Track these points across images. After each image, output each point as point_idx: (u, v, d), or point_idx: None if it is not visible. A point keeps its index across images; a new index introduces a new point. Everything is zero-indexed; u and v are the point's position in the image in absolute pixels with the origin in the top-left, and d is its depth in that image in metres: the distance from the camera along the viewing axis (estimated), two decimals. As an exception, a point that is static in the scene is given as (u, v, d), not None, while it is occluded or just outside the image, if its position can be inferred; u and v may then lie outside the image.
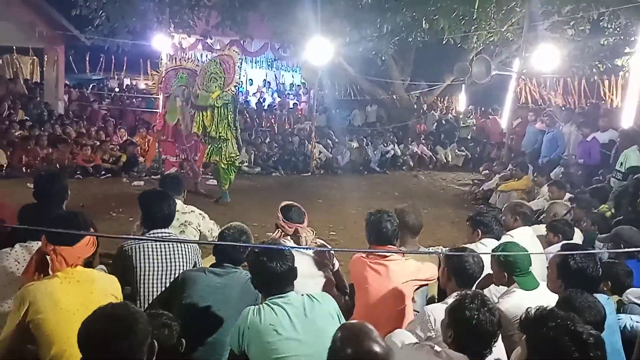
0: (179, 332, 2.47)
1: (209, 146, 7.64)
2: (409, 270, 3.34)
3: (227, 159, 7.65)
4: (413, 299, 3.44)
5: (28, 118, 12.05)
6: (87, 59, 19.13)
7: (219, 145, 7.54)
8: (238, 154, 7.85)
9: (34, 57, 16.28)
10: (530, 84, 15.57)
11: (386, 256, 3.30)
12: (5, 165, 9.62)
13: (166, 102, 8.45)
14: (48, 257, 2.42)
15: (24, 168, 9.66)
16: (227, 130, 7.48)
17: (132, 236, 3.24)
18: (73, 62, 18.46)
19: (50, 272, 2.41)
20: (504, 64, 13.08)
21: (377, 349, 1.84)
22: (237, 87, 7.82)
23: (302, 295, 2.64)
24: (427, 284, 3.55)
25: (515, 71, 11.32)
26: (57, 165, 9.84)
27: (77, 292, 2.45)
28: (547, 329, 1.94)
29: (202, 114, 7.57)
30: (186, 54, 12.52)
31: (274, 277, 2.57)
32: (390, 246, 3.35)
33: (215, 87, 7.48)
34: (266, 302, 2.59)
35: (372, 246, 3.40)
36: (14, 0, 11.76)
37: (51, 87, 14.44)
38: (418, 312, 3.50)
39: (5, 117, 11.57)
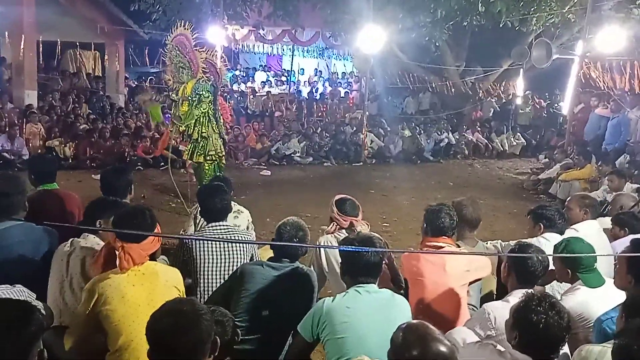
0: (232, 327, 2.53)
1: (190, 145, 6.89)
2: (464, 258, 3.28)
3: (211, 157, 6.82)
4: (468, 292, 3.37)
5: (91, 111, 12.58)
6: (146, 52, 19.71)
7: (201, 144, 6.76)
8: (222, 151, 6.92)
9: (96, 52, 16.90)
10: (593, 67, 14.80)
11: (441, 247, 3.26)
12: (71, 157, 10.13)
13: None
14: (116, 252, 2.52)
15: (88, 160, 10.13)
16: (208, 126, 6.74)
17: (195, 236, 3.39)
18: (133, 56, 19.10)
19: (118, 269, 2.52)
20: (564, 47, 12.49)
21: (443, 349, 1.82)
22: (208, 74, 6.77)
23: (383, 289, 2.73)
24: (480, 279, 3.47)
25: (578, 54, 10.79)
26: (119, 156, 10.25)
27: (142, 285, 2.56)
28: None
29: (179, 107, 6.86)
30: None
31: (364, 266, 2.66)
32: (444, 237, 3.29)
33: (186, 77, 6.76)
34: (348, 290, 2.67)
35: (425, 237, 3.36)
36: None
37: (112, 81, 15.00)
38: (473, 305, 3.44)
39: (71, 111, 12.12)
